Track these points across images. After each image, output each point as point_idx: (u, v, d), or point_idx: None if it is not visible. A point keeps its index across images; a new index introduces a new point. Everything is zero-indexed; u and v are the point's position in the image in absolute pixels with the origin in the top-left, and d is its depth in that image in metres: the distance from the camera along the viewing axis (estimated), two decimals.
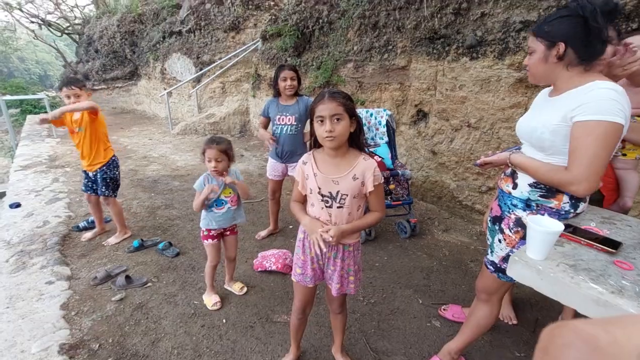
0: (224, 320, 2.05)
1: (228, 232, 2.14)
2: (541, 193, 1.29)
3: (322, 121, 1.28)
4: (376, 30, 4.13)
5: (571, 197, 1.24)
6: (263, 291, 2.33)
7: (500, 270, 1.43)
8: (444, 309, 2.17)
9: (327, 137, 1.28)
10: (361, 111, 3.32)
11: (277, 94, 2.68)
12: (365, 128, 3.39)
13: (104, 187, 2.80)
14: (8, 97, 8.00)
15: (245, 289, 2.32)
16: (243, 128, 7.27)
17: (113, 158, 2.83)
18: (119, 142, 6.64)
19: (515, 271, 1.05)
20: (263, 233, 3.08)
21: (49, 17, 15.41)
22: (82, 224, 3.19)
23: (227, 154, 1.89)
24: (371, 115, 3.28)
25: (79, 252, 2.79)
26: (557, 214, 1.27)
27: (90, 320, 2.02)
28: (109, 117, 9.38)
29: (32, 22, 15.39)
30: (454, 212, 3.57)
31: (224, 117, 7.23)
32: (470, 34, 3.13)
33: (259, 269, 2.54)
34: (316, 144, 1.40)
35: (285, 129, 2.63)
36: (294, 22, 5.47)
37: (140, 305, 2.16)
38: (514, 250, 1.33)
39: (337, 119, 1.26)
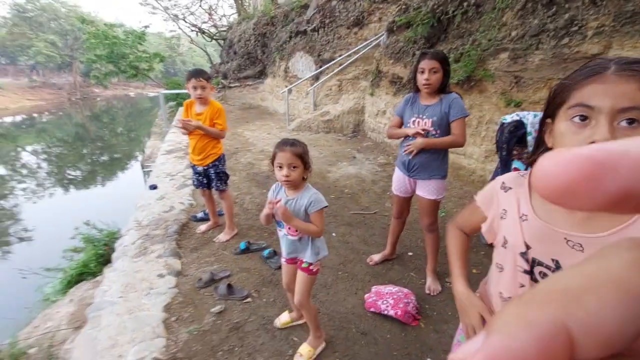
0: None
1: (297, 262, 1.66)
2: None
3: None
4: (552, 7, 3.07)
5: None
6: (377, 344, 1.80)
7: None
8: None
9: None
10: (527, 114, 2.46)
11: (417, 89, 2.07)
12: (529, 138, 2.50)
13: (219, 182, 2.79)
14: (164, 91, 9.57)
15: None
16: (356, 128, 6.88)
17: (223, 152, 2.82)
18: (243, 135, 7.08)
19: None
20: (376, 257, 2.53)
21: (203, 26, 18.29)
22: (199, 215, 3.26)
23: (303, 159, 1.44)
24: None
25: (192, 244, 2.80)
26: None
27: (187, 332, 1.84)
28: (238, 112, 10.38)
29: (192, 30, 18.52)
30: None
31: (338, 115, 6.97)
32: None
33: (372, 309, 2.01)
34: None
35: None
36: (430, 9, 4.72)
37: (237, 325, 1.90)
38: None
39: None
